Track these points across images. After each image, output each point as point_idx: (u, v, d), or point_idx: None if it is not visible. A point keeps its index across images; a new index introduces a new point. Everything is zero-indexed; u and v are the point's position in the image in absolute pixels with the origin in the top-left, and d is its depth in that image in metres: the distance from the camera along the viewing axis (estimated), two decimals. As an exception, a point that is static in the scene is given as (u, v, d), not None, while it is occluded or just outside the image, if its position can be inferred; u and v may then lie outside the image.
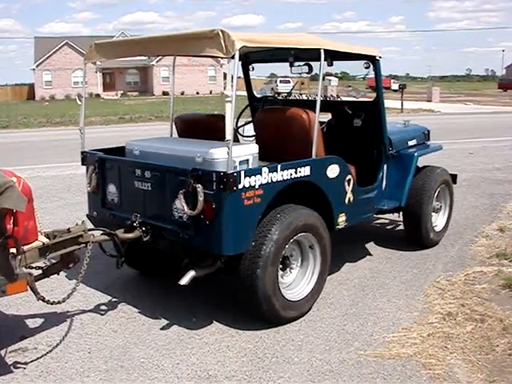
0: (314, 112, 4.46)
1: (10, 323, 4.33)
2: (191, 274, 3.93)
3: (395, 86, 46.41)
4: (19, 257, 3.41)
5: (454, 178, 6.50)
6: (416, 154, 5.82)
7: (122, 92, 59.28)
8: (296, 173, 4.18)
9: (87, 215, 4.95)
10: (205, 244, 3.88)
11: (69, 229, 3.91)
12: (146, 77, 61.80)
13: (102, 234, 4.13)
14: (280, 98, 6.14)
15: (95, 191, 4.71)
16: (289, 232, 4.08)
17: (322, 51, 4.33)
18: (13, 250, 3.33)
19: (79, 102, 4.73)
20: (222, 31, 3.58)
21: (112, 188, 4.58)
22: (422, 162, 6.11)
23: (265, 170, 3.93)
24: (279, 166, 4.04)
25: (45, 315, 4.41)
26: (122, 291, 4.98)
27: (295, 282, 4.42)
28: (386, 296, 4.89)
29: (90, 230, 4.05)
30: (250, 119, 6.14)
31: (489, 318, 4.41)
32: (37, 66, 57.40)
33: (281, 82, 45.61)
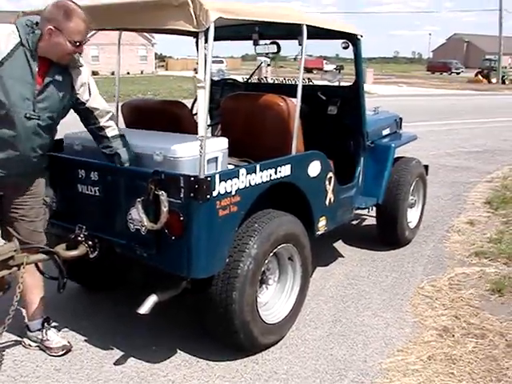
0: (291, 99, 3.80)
1: None
2: (152, 299, 3.18)
3: (329, 67, 46.06)
4: None
5: (426, 169, 6.01)
6: (393, 144, 5.23)
7: (48, 72, 56.58)
8: (276, 173, 3.47)
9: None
10: (169, 264, 3.13)
11: (-5, 249, 3.07)
12: (74, 56, 59.19)
13: (38, 253, 3.30)
14: (241, 81, 5.39)
15: None
16: (269, 245, 3.39)
17: (305, 27, 3.62)
18: None
19: None
20: (191, -2, 2.79)
21: (49, 191, 3.74)
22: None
23: (242, 171, 3.21)
24: (258, 166, 3.33)
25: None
26: (64, 311, 4.13)
27: (272, 301, 3.74)
28: (370, 308, 4.32)
29: (22, 247, 3.21)
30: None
31: (488, 332, 3.93)
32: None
33: (213, 62, 44.52)
